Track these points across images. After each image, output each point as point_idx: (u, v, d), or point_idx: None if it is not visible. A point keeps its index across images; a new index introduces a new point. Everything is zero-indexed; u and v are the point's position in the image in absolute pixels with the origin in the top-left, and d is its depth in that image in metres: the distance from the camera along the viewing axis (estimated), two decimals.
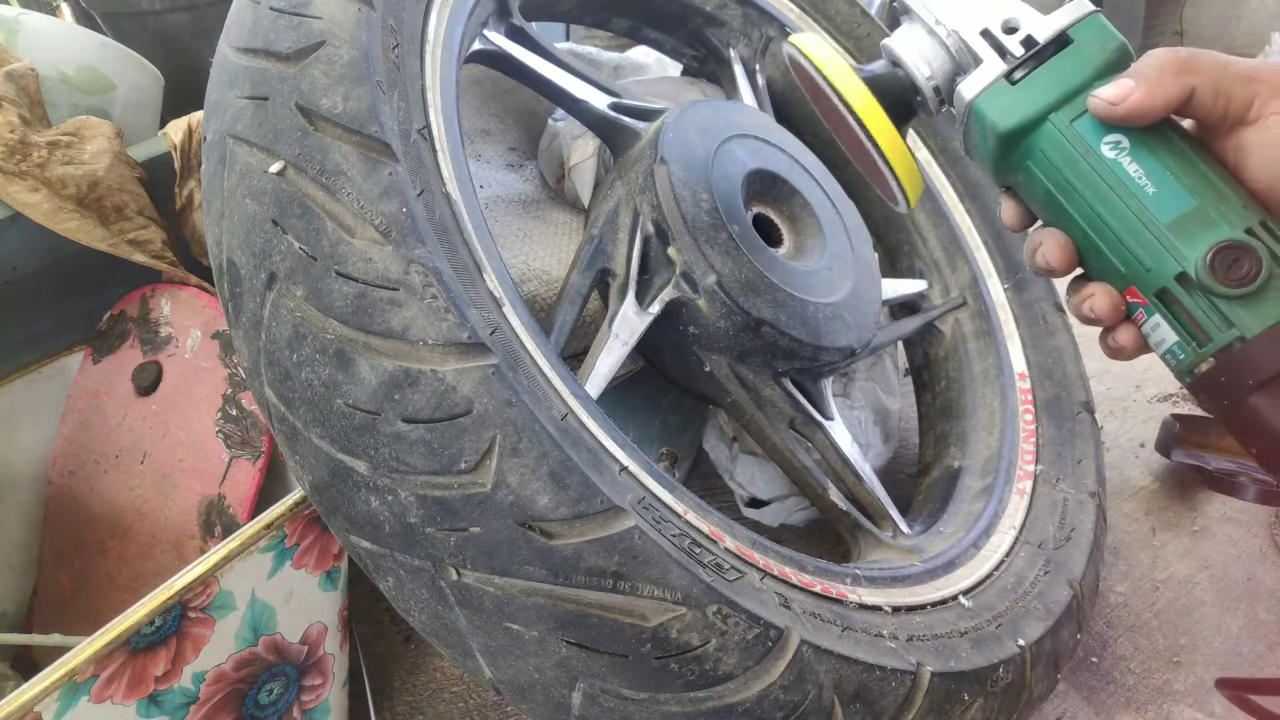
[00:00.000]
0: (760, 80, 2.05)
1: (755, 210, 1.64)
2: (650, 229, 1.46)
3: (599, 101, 1.63)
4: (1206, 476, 2.10)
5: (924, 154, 2.07)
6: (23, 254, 1.56)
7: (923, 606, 1.34)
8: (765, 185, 1.65)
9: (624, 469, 1.11)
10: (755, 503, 1.98)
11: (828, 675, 1.10)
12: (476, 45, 1.52)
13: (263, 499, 1.44)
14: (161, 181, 1.66)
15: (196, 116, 1.73)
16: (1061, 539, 1.59)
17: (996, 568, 1.50)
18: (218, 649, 1.23)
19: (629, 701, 1.04)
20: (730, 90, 2.01)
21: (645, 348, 1.49)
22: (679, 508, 1.15)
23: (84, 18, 2.19)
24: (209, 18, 1.97)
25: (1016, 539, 1.57)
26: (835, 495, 1.55)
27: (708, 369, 1.49)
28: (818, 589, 1.22)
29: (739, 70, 2.03)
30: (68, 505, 1.63)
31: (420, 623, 1.09)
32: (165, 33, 1.99)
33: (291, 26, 1.17)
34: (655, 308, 1.44)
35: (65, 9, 2.43)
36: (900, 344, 2.11)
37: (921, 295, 2.00)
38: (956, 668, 1.24)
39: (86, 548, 1.60)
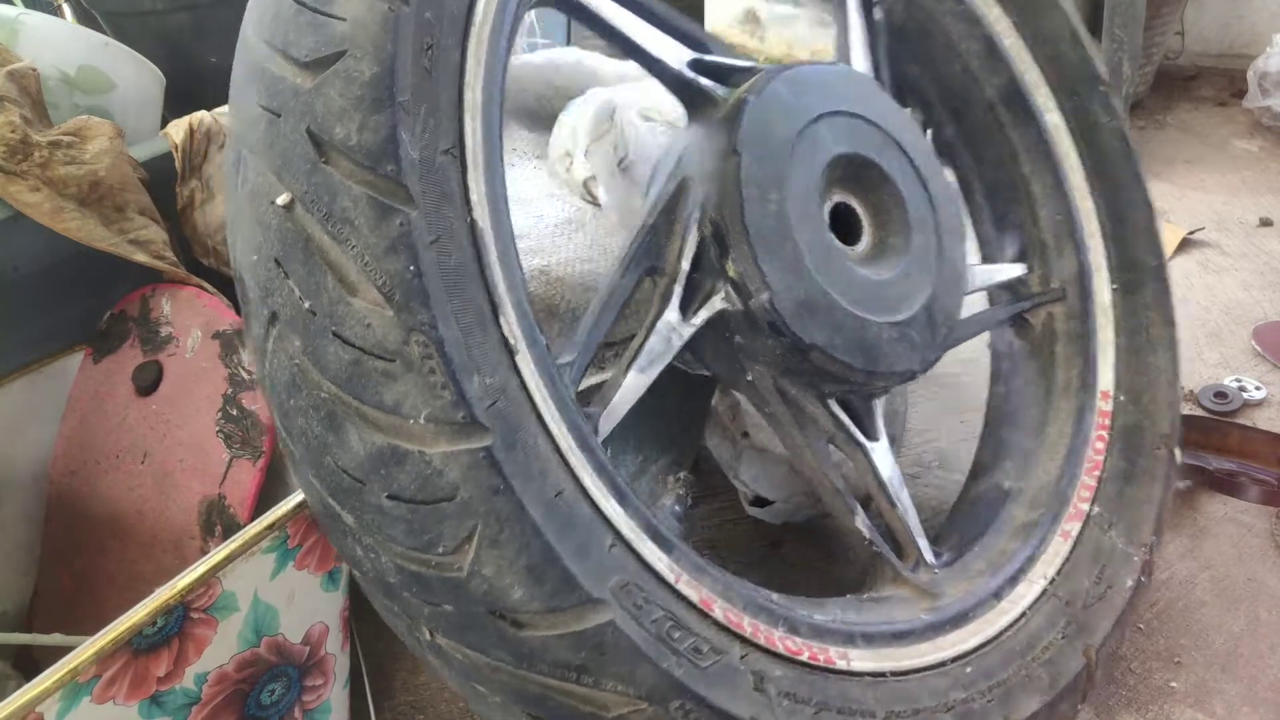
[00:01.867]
0: (878, 14, 1.78)
1: (837, 199, 1.46)
2: (709, 229, 1.32)
3: (676, 59, 1.43)
4: (1207, 477, 2.09)
5: (1053, 117, 1.82)
6: (23, 254, 1.56)
7: (916, 671, 1.30)
8: (853, 170, 1.46)
9: (614, 544, 1.09)
10: (760, 501, 1.97)
11: None
12: None
13: (263, 499, 1.44)
14: (162, 181, 1.66)
15: (197, 116, 1.73)
16: (1094, 597, 1.47)
17: (1011, 625, 1.40)
18: (220, 649, 1.23)
19: None
20: (841, 25, 1.77)
21: (689, 344, 1.38)
22: (671, 575, 1.12)
23: (85, 18, 2.19)
24: (210, 18, 1.97)
25: (1044, 592, 1.45)
26: (861, 522, 1.42)
27: (750, 378, 1.39)
28: (805, 656, 1.20)
29: (853, 2, 1.76)
30: (68, 505, 1.63)
31: (406, 644, 1.12)
32: (167, 32, 1.99)
33: (313, 27, 1.07)
34: (700, 317, 1.32)
35: (67, 9, 2.43)
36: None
37: (1020, 280, 1.79)
38: None
39: (87, 547, 1.60)
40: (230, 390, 1.50)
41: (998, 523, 1.58)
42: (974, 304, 1.73)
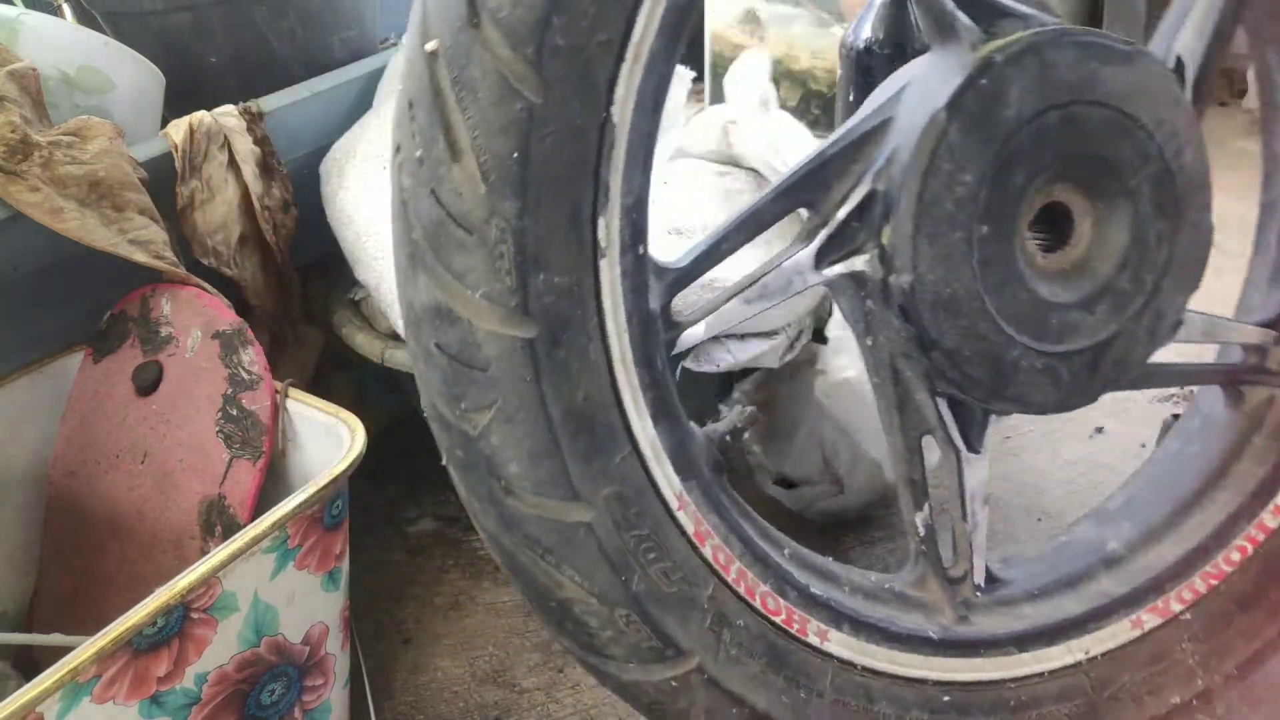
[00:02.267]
0: None
1: (1059, 196, 1.24)
2: (881, 185, 1.19)
3: None
4: None
5: None
6: (23, 254, 1.55)
7: (889, 675, 1.30)
8: (1091, 173, 1.22)
9: (627, 457, 1.13)
10: (784, 482, 1.97)
11: (703, 700, 1.19)
12: None
13: (263, 499, 1.44)
14: (162, 181, 1.66)
15: (197, 116, 1.73)
16: (1126, 694, 1.37)
17: (1018, 679, 1.34)
18: (220, 649, 1.24)
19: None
20: None
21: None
22: (674, 501, 1.17)
23: (85, 18, 2.19)
24: (210, 18, 1.97)
25: (1075, 665, 1.36)
26: (921, 520, 1.35)
27: (869, 343, 1.29)
28: (779, 619, 1.24)
29: None
30: (68, 505, 1.63)
31: None
32: (166, 33, 1.99)
33: None
34: (834, 271, 1.23)
35: (66, 9, 2.43)
36: None
37: (1259, 346, 1.50)
38: None
39: (87, 548, 1.60)
40: (230, 390, 1.50)
41: (1076, 580, 1.45)
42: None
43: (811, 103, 2.50)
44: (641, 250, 1.14)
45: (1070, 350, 1.23)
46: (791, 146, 1.75)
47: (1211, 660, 1.39)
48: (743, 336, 1.62)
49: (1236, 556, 1.42)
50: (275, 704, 1.34)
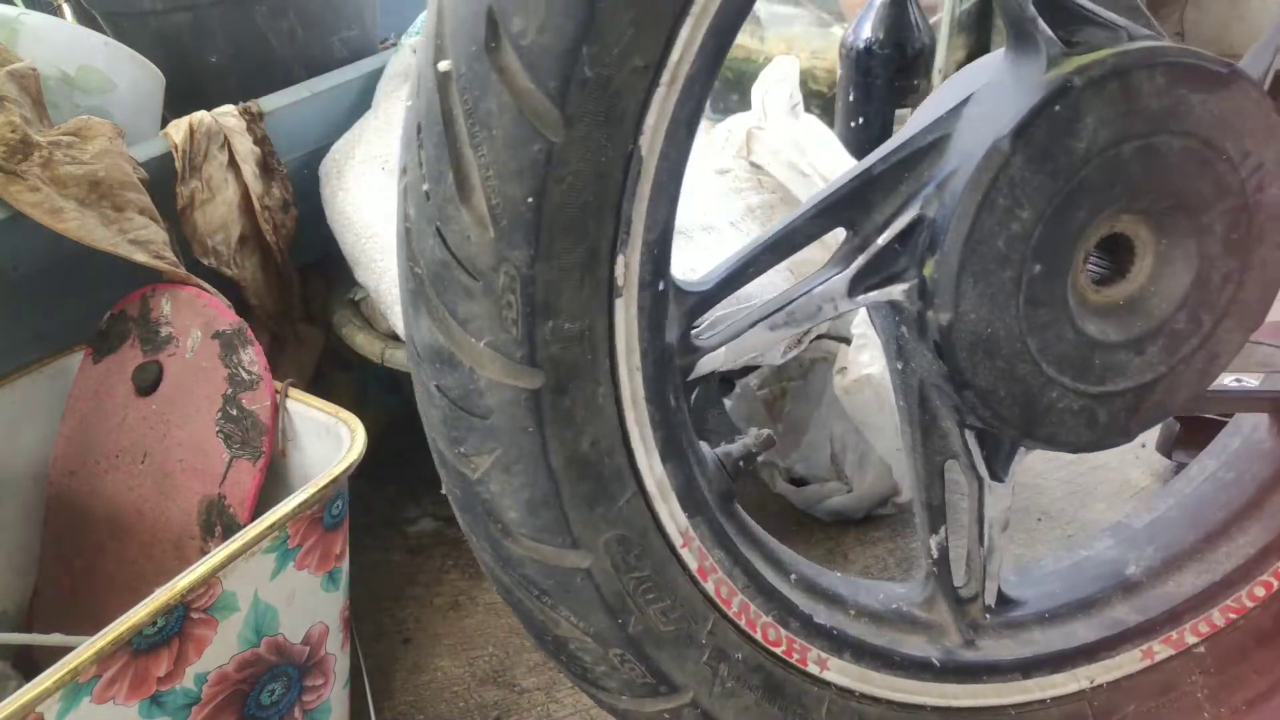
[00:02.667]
0: None
1: (1122, 228, 1.13)
2: (931, 212, 1.10)
3: None
4: None
5: None
6: (23, 254, 1.55)
7: (887, 702, 1.29)
8: (1159, 205, 1.11)
9: (632, 499, 1.10)
10: (795, 480, 1.98)
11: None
12: None
13: (263, 499, 1.44)
14: (162, 181, 1.66)
15: (197, 116, 1.73)
16: None
17: (1020, 705, 1.33)
18: (220, 649, 1.24)
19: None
20: None
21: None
22: (678, 539, 1.14)
23: (85, 17, 2.19)
24: (210, 18, 1.97)
25: (1079, 693, 1.34)
26: (936, 544, 1.32)
27: (899, 367, 1.25)
28: (780, 650, 1.24)
29: None
30: (68, 505, 1.63)
31: None
32: (166, 33, 1.99)
33: None
34: (868, 298, 1.16)
35: (66, 9, 2.43)
36: None
37: None
38: None
39: (87, 547, 1.60)
40: (230, 390, 1.50)
41: (1090, 606, 1.41)
42: None
43: (811, 103, 2.50)
44: (662, 286, 1.07)
45: (1112, 391, 1.17)
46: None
47: (1221, 694, 1.37)
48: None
49: (1261, 592, 1.37)
50: (275, 704, 1.34)
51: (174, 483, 1.52)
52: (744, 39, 3.76)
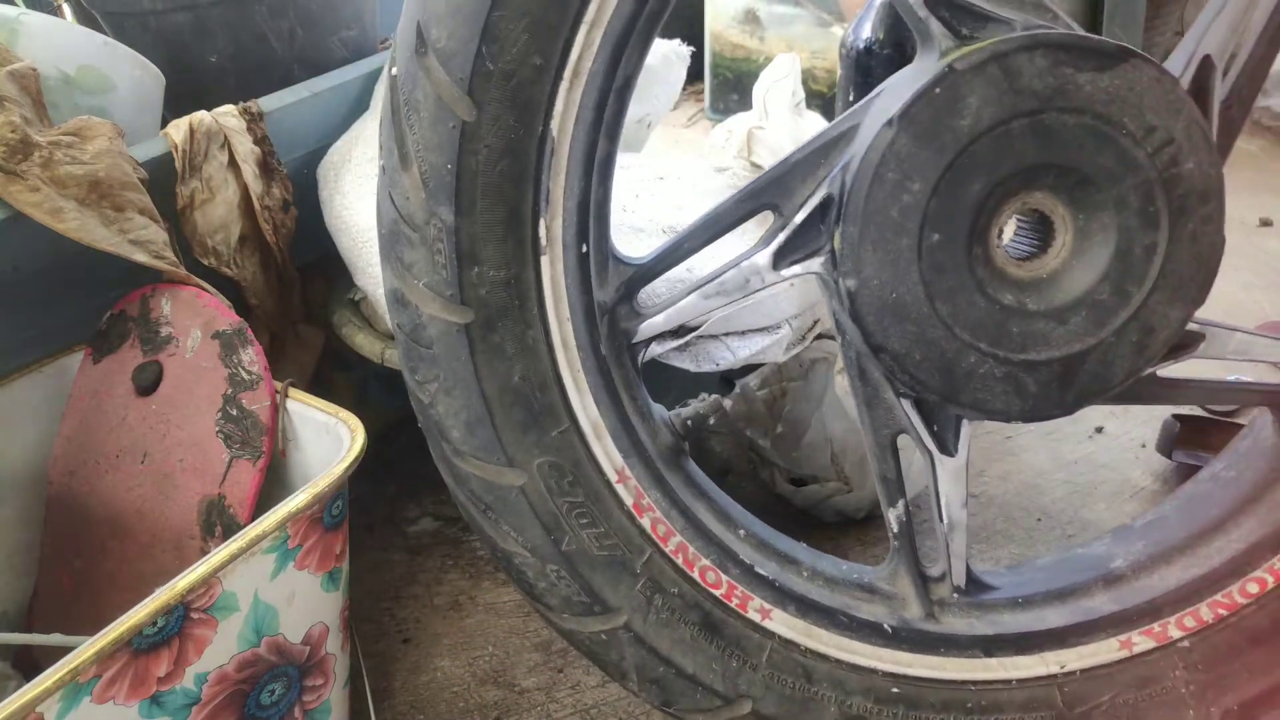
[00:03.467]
0: None
1: (1033, 203, 1.21)
2: (836, 189, 1.21)
3: None
4: None
5: None
6: (24, 254, 1.55)
7: (834, 660, 1.33)
8: (1068, 179, 1.18)
9: (565, 431, 1.29)
10: (796, 480, 1.98)
11: (633, 657, 1.32)
12: None
13: (263, 499, 1.44)
14: (162, 181, 1.66)
15: (197, 117, 1.73)
16: (1098, 713, 1.34)
17: (980, 683, 1.34)
18: (220, 650, 1.24)
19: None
20: None
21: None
22: (613, 474, 1.32)
23: (85, 17, 2.19)
24: (210, 18, 1.97)
25: (1048, 677, 1.34)
26: (895, 516, 1.36)
27: (841, 341, 1.33)
28: (719, 592, 1.34)
29: None
30: (68, 505, 1.63)
31: None
32: (167, 33, 1.99)
33: None
34: (791, 272, 1.28)
35: (66, 9, 2.43)
36: None
37: None
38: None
39: (87, 548, 1.60)
40: (230, 390, 1.50)
41: (1067, 595, 1.42)
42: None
43: (811, 103, 2.51)
44: (585, 249, 1.30)
45: (1037, 360, 1.22)
46: None
47: (1209, 693, 1.35)
48: (743, 332, 1.61)
49: (1254, 589, 1.36)
50: (275, 704, 1.34)
51: (174, 483, 1.52)
52: (744, 39, 3.76)
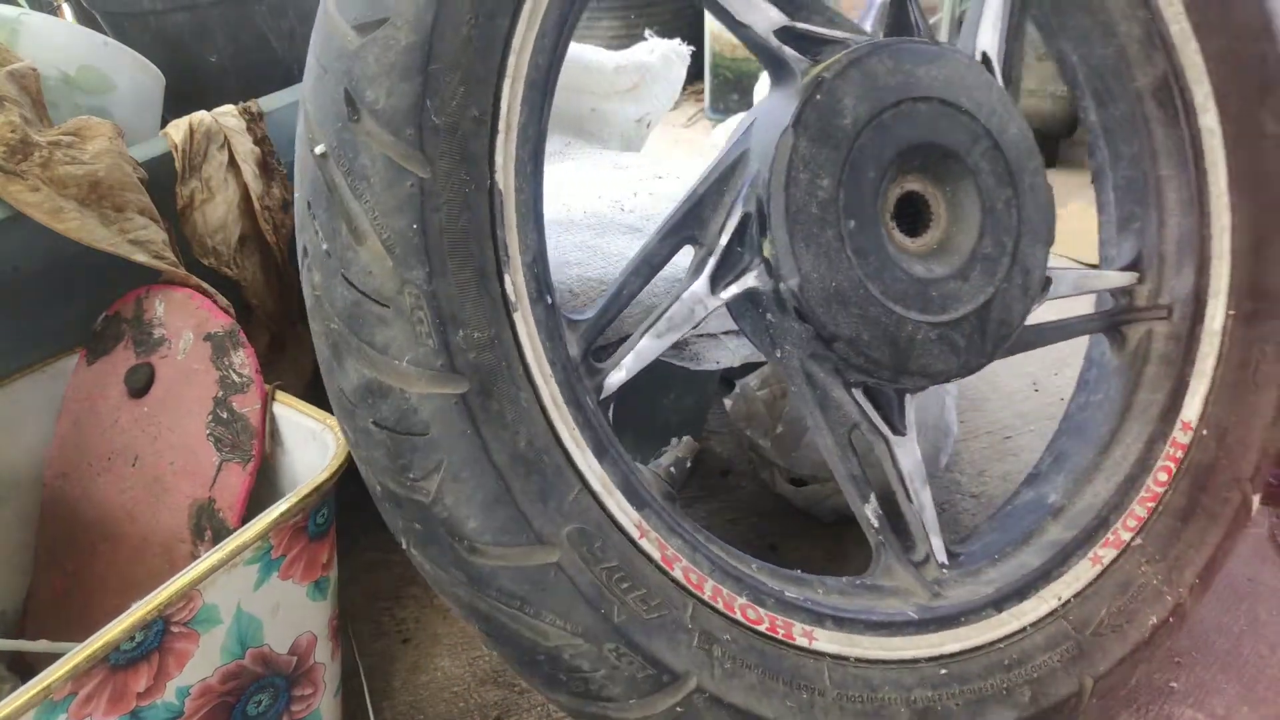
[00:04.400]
0: None
1: (910, 186, 1.45)
2: (752, 205, 1.36)
3: (765, 25, 1.41)
4: None
5: (1210, 118, 1.64)
6: (24, 254, 1.56)
7: (883, 662, 1.34)
8: (932, 159, 1.43)
9: (580, 494, 1.21)
10: (797, 481, 1.98)
11: (711, 716, 1.22)
12: None
13: (253, 503, 1.44)
14: (162, 181, 1.66)
15: (197, 117, 1.73)
16: (1107, 627, 1.45)
17: (1005, 638, 1.41)
18: (203, 663, 1.24)
19: (527, 689, 1.23)
20: None
21: (731, 306, 1.46)
22: (635, 530, 1.24)
23: (85, 18, 2.19)
24: (210, 18, 1.97)
25: (1052, 612, 1.45)
26: (871, 510, 1.46)
27: (779, 355, 1.45)
28: (763, 627, 1.28)
29: None
30: (61, 507, 1.64)
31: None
32: (166, 32, 1.99)
33: None
34: (729, 293, 1.38)
35: (66, 9, 2.43)
36: None
37: (1125, 290, 1.71)
38: None
39: (79, 550, 1.61)
40: (221, 393, 1.50)
41: (1029, 536, 1.58)
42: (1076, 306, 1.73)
43: None
44: (550, 300, 1.27)
45: (957, 317, 1.42)
46: None
47: (1173, 575, 1.51)
48: (740, 332, 1.62)
49: (1164, 477, 1.57)
50: (262, 715, 1.34)
51: (164, 486, 1.52)
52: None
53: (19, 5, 2.12)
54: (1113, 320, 1.70)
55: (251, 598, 1.28)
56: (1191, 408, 1.61)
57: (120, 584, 1.55)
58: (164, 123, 1.78)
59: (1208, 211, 1.65)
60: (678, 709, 1.19)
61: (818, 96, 1.33)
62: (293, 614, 1.36)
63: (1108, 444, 1.65)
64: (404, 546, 1.22)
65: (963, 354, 1.43)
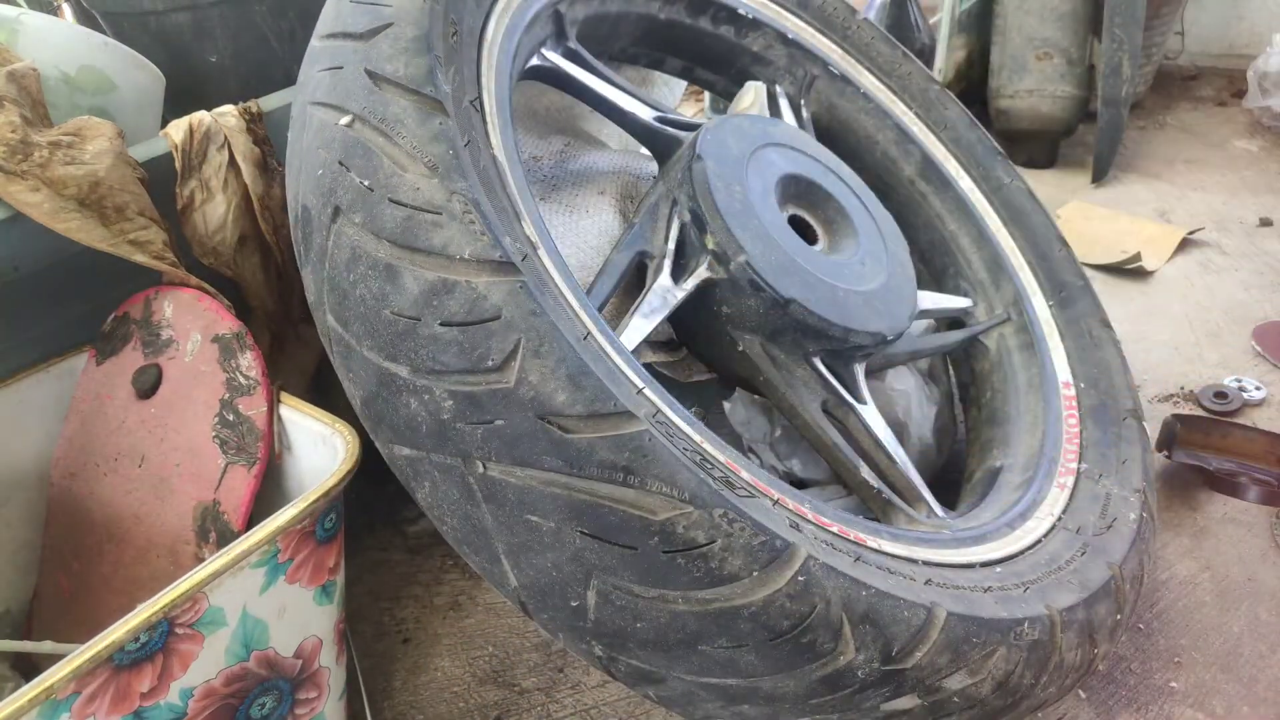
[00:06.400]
0: (805, 113, 2.21)
1: (791, 211, 1.81)
2: (687, 216, 1.63)
3: (645, 114, 1.83)
4: (1207, 477, 2.10)
5: (966, 182, 2.24)
6: (25, 254, 1.55)
7: (946, 565, 1.39)
8: (801, 189, 1.83)
9: (641, 389, 1.23)
10: (794, 482, 1.98)
11: (835, 592, 1.17)
12: (534, 62, 1.71)
13: (260, 505, 1.44)
14: (162, 181, 1.66)
15: (197, 117, 1.73)
16: (1102, 527, 1.63)
17: (1030, 546, 1.56)
18: (207, 664, 1.23)
19: (639, 599, 1.13)
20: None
21: (682, 333, 1.67)
22: (695, 436, 1.25)
23: (85, 18, 2.19)
24: (210, 18, 1.97)
25: (1054, 525, 1.63)
26: (867, 473, 1.63)
27: (740, 348, 1.63)
28: (835, 529, 1.30)
29: (785, 104, 2.17)
30: (67, 507, 1.64)
31: (451, 529, 1.23)
32: (167, 33, 1.99)
33: (365, 12, 1.40)
34: (689, 284, 1.59)
35: (66, 9, 2.43)
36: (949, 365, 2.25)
37: (966, 312, 2.16)
38: (975, 613, 1.28)
39: (84, 550, 1.60)
40: (227, 395, 1.50)
41: (997, 487, 1.81)
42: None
43: None
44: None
45: (873, 289, 1.74)
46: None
47: (1125, 484, 1.77)
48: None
49: (1073, 420, 1.91)
50: (266, 718, 1.34)
51: (170, 487, 1.52)
52: None
53: (19, 5, 2.11)
54: (972, 333, 2.13)
55: (258, 601, 1.28)
56: (1063, 371, 2.02)
57: (124, 585, 1.55)
58: (165, 123, 1.77)
59: (995, 242, 2.22)
60: (799, 578, 1.15)
61: (708, 138, 1.69)
62: (299, 617, 1.35)
63: (1017, 414, 1.98)
64: (478, 473, 1.16)
65: (886, 317, 1.73)
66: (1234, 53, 4.44)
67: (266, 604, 1.29)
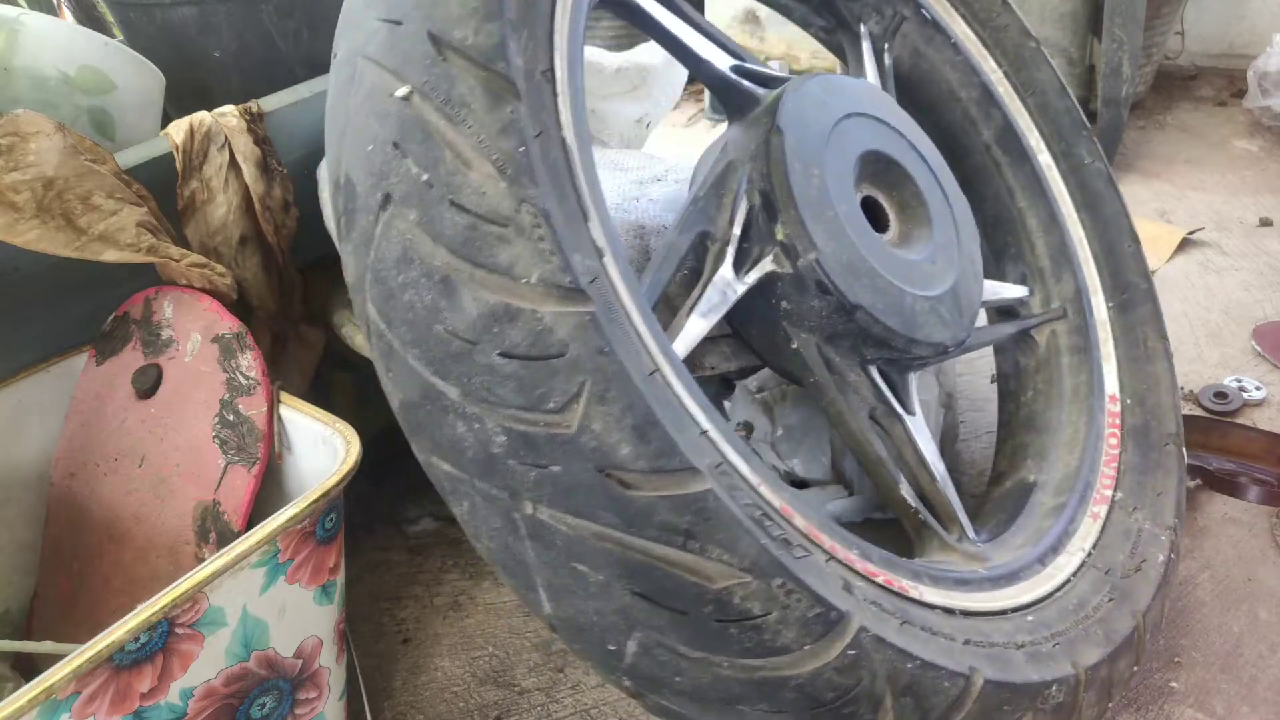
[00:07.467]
0: (887, 60, 1.99)
1: (864, 192, 1.64)
2: (757, 198, 1.47)
3: (721, 62, 1.64)
4: (1208, 477, 2.10)
5: (1045, 157, 2.05)
6: (24, 254, 1.54)
7: (982, 613, 1.35)
8: (878, 168, 1.65)
9: (704, 432, 1.14)
10: (795, 482, 1.97)
11: (882, 665, 1.13)
12: None
13: (260, 505, 1.44)
14: (162, 181, 1.66)
15: (197, 117, 1.73)
16: (1131, 569, 1.56)
17: (1060, 587, 1.49)
18: (207, 664, 1.23)
19: (682, 659, 1.09)
20: (855, 66, 1.98)
21: (733, 317, 1.50)
22: (753, 479, 1.16)
23: (86, 16, 2.19)
24: (216, 14, 1.97)
25: (1084, 562, 1.55)
26: (906, 491, 1.52)
27: (794, 346, 1.49)
28: (881, 580, 1.25)
29: (867, 46, 1.98)
30: (67, 507, 1.64)
31: (487, 549, 1.14)
32: (172, 26, 1.99)
33: None
34: (752, 277, 1.45)
35: (66, 9, 2.43)
36: (991, 350, 2.09)
37: (1021, 301, 1.99)
38: (1010, 678, 1.25)
39: (84, 550, 1.61)
40: (227, 395, 1.50)
41: (1029, 507, 1.69)
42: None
43: None
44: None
45: (940, 293, 1.59)
46: None
47: (1157, 519, 1.68)
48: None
49: (1114, 441, 1.79)
50: (266, 718, 1.34)
51: (170, 488, 1.52)
52: (744, 39, 3.74)
53: (19, 5, 2.11)
54: (1024, 325, 1.95)
55: (258, 601, 1.28)
56: (1111, 383, 1.87)
57: (124, 585, 1.55)
58: (166, 122, 1.77)
59: (1065, 228, 2.02)
60: (850, 651, 1.11)
61: (789, 104, 1.52)
62: (299, 617, 1.35)
63: (1057, 425, 1.83)
64: (526, 515, 1.08)
65: (949, 326, 1.59)
66: (1234, 53, 4.44)
67: (267, 604, 1.29)
